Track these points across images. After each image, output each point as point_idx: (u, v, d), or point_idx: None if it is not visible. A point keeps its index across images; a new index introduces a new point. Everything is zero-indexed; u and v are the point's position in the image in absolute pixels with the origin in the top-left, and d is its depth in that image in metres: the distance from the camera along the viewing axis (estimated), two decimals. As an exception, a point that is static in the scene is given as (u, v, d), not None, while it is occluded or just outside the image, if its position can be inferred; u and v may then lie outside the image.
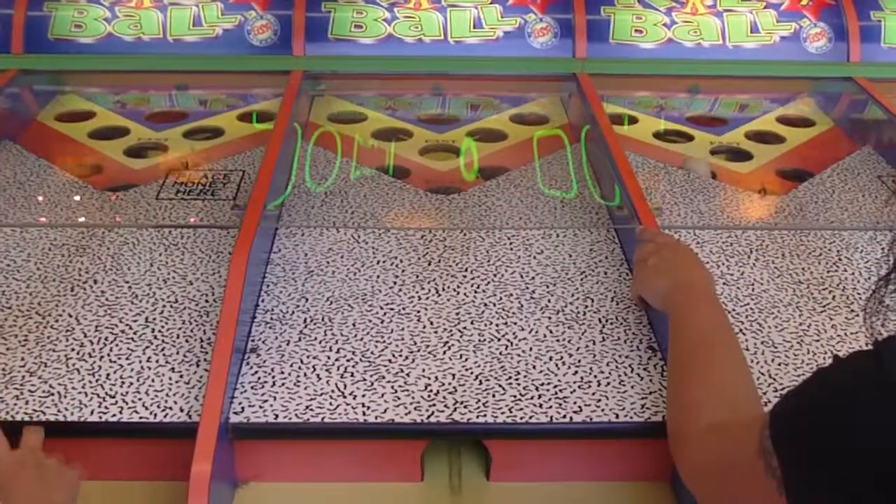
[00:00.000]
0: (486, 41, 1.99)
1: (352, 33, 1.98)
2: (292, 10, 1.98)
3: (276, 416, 1.01)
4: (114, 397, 1.03)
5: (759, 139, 1.79)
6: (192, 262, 1.30)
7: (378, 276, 1.27)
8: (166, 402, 1.03)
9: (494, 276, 1.28)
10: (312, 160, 1.62)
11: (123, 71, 1.98)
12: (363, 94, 1.96)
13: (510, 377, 1.07)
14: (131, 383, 1.06)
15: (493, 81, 2.01)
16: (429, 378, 1.07)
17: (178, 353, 1.11)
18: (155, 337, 1.14)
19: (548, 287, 1.25)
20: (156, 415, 1.01)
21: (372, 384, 1.06)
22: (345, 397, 1.04)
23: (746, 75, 2.02)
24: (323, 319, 1.17)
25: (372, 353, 1.11)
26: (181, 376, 1.07)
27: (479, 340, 1.14)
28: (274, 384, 1.06)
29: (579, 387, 1.06)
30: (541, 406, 1.03)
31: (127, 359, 1.10)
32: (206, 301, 1.21)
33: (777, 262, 1.32)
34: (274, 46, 1.98)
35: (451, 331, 1.16)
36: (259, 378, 1.07)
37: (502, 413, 1.02)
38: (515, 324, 1.17)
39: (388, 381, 1.06)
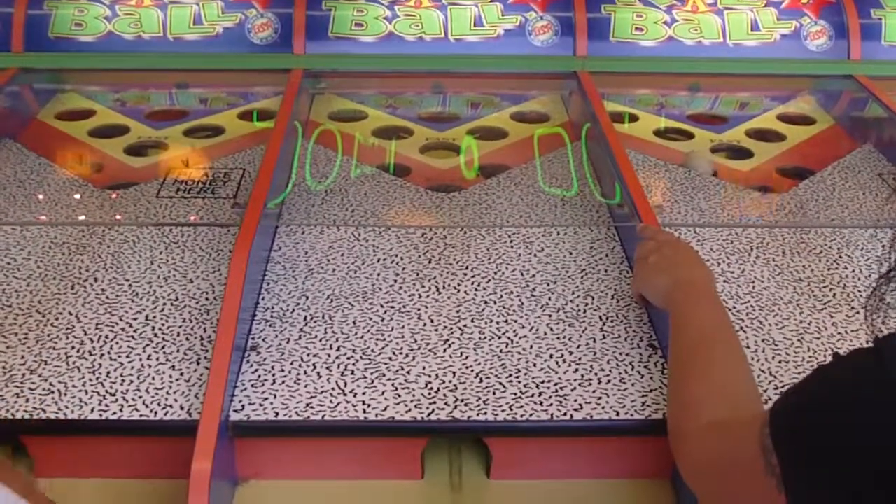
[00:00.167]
0: (487, 39, 1.99)
1: (352, 31, 1.98)
2: (293, 9, 1.98)
3: (277, 413, 1.01)
4: (114, 395, 1.03)
5: (759, 137, 1.79)
6: (192, 260, 1.30)
7: (378, 274, 1.27)
8: (166, 399, 1.03)
9: (495, 273, 1.28)
10: (313, 158, 1.62)
11: (124, 69, 1.98)
12: (364, 92, 1.96)
13: (511, 375, 1.07)
14: (131, 381, 1.06)
15: (494, 79, 2.01)
16: (429, 376, 1.07)
17: (178, 350, 1.11)
18: (155, 335, 1.14)
19: (548, 285, 1.25)
20: (156, 413, 1.01)
21: (372, 382, 1.06)
22: (345, 395, 1.04)
23: (747, 73, 2.02)
24: (323, 317, 1.17)
25: (372, 350, 1.11)
26: (181, 374, 1.07)
27: (480, 338, 1.14)
28: (274, 382, 1.06)
29: (580, 384, 1.06)
30: (541, 404, 1.03)
31: (127, 357, 1.10)
32: (207, 299, 1.21)
33: (778, 260, 1.32)
34: (274, 45, 1.98)
35: (451, 328, 1.16)
36: (259, 376, 1.07)
37: (503, 411, 1.02)
38: (516, 321, 1.17)
39: (389, 379, 1.06)
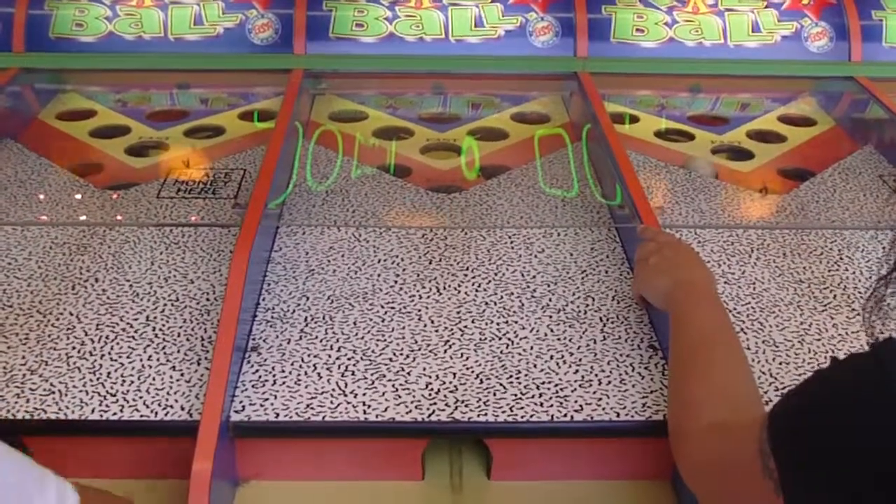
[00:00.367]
0: (488, 40, 1.99)
1: (353, 32, 1.98)
2: (293, 9, 1.98)
3: (277, 414, 1.01)
4: (115, 395, 1.03)
5: (760, 138, 1.79)
6: (192, 260, 1.30)
7: (379, 275, 1.27)
8: (167, 400, 1.03)
9: (495, 274, 1.28)
10: (313, 159, 1.62)
11: (124, 70, 1.98)
12: (364, 92, 1.96)
13: (511, 376, 1.07)
14: (132, 381, 1.06)
15: (495, 80, 2.01)
16: (429, 377, 1.07)
17: (178, 351, 1.11)
18: (156, 335, 1.14)
19: (549, 286, 1.25)
20: (157, 413, 1.01)
21: (373, 383, 1.06)
22: (345, 396, 1.04)
23: (748, 74, 2.02)
24: (324, 318, 1.17)
25: (373, 351, 1.11)
26: (182, 375, 1.07)
27: (480, 339, 1.14)
28: (275, 383, 1.06)
29: (580, 385, 1.06)
30: (542, 405, 1.03)
31: (128, 357, 1.10)
32: (207, 299, 1.21)
33: (778, 262, 1.32)
34: (275, 45, 1.98)
35: (451, 329, 1.16)
36: (260, 376, 1.07)
37: (503, 412, 1.02)
38: (516, 322, 1.17)
39: (389, 380, 1.06)
